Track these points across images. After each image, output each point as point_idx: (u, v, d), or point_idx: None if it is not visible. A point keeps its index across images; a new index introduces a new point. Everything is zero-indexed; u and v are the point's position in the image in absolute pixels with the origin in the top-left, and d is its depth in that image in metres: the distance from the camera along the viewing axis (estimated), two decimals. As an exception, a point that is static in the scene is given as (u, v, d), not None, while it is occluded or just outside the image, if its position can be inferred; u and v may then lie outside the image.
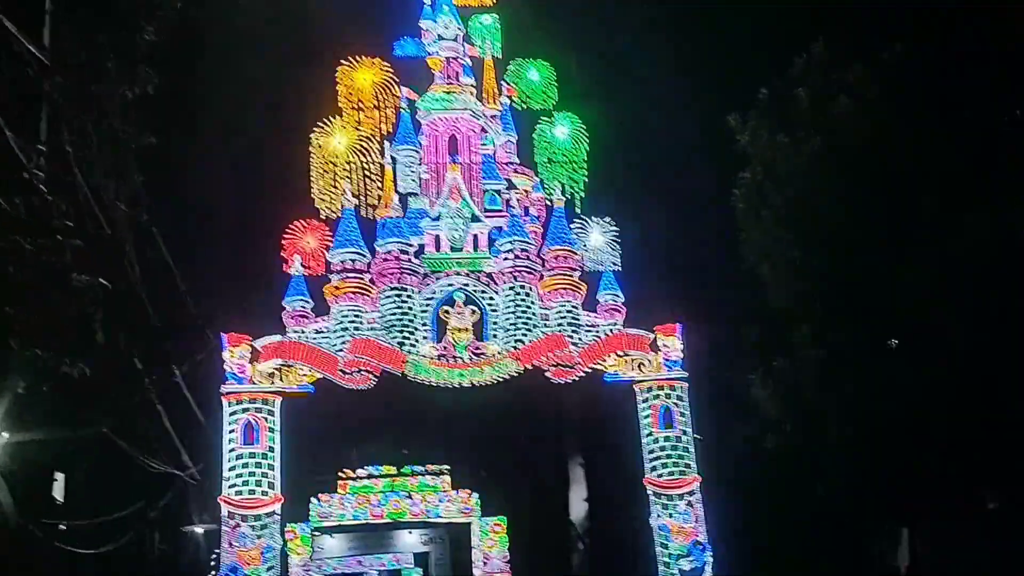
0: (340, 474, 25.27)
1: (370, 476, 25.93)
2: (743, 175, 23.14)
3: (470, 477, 26.52)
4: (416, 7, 22.43)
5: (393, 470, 26.19)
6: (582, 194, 22.05)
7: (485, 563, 25.66)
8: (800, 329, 21.88)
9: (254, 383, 19.98)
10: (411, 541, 28.71)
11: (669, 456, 20.89)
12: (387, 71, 21.85)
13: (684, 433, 20.98)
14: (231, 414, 19.82)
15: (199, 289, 21.47)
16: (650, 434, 21.11)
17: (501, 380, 20.86)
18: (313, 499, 24.89)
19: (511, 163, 22.43)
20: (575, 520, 26.17)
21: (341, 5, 24.02)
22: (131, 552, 20.53)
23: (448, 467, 26.33)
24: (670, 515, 20.69)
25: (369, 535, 27.66)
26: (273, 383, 20.10)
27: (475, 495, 25.94)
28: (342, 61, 21.77)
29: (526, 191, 22.13)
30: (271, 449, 19.75)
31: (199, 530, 22.40)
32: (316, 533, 25.08)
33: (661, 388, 21.16)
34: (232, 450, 19.66)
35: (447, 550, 28.68)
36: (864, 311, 21.18)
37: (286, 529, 21.57)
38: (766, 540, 22.27)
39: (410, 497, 25.76)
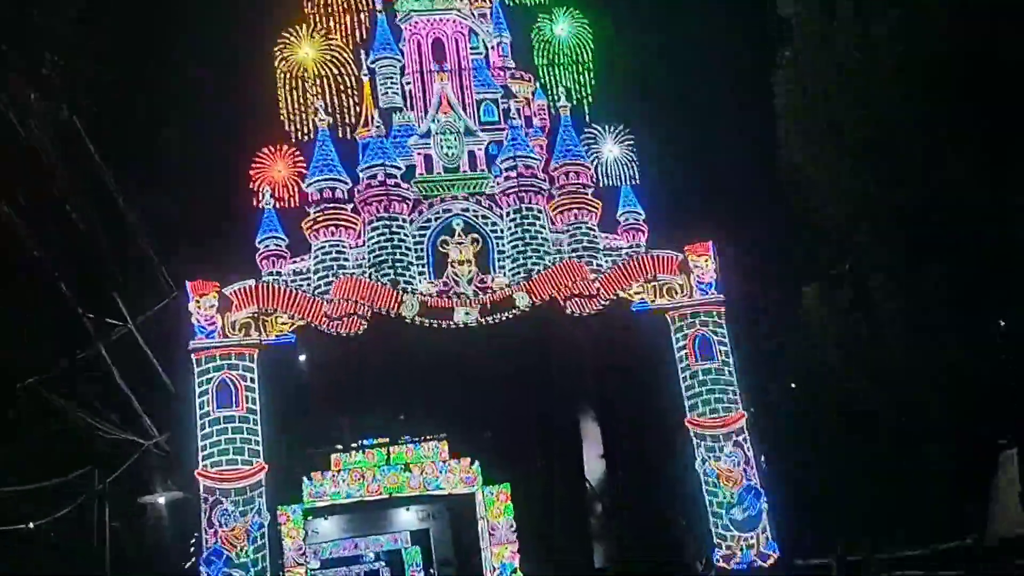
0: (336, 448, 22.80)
1: (362, 448, 23.57)
2: (784, 53, 19.94)
3: (472, 442, 24.06)
4: None
5: (387, 441, 23.82)
6: (591, 99, 19.59)
7: (492, 534, 23.52)
8: (862, 234, 18.90)
9: (226, 336, 17.41)
10: (408, 518, 26.79)
11: (711, 391, 18.82)
12: (359, -31, 18.96)
13: (725, 364, 18.71)
14: (202, 373, 17.31)
15: (153, 227, 18.33)
16: (687, 368, 18.92)
17: (511, 317, 18.33)
18: (305, 478, 22.48)
19: (507, 67, 19.85)
20: (593, 478, 23.47)
21: None
22: (69, 530, 17.41)
23: (446, 435, 23.97)
24: (716, 459, 18.58)
25: (365, 515, 25.59)
26: (249, 335, 17.48)
27: (476, 463, 23.63)
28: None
29: (526, 99, 20.07)
30: (251, 411, 17.28)
31: (161, 500, 19.42)
32: (310, 516, 22.84)
33: (696, 315, 19.03)
34: (206, 414, 17.12)
35: (447, 525, 26.56)
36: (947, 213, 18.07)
37: (278, 512, 19.04)
38: (830, 484, 19.41)
39: (408, 470, 23.47)
